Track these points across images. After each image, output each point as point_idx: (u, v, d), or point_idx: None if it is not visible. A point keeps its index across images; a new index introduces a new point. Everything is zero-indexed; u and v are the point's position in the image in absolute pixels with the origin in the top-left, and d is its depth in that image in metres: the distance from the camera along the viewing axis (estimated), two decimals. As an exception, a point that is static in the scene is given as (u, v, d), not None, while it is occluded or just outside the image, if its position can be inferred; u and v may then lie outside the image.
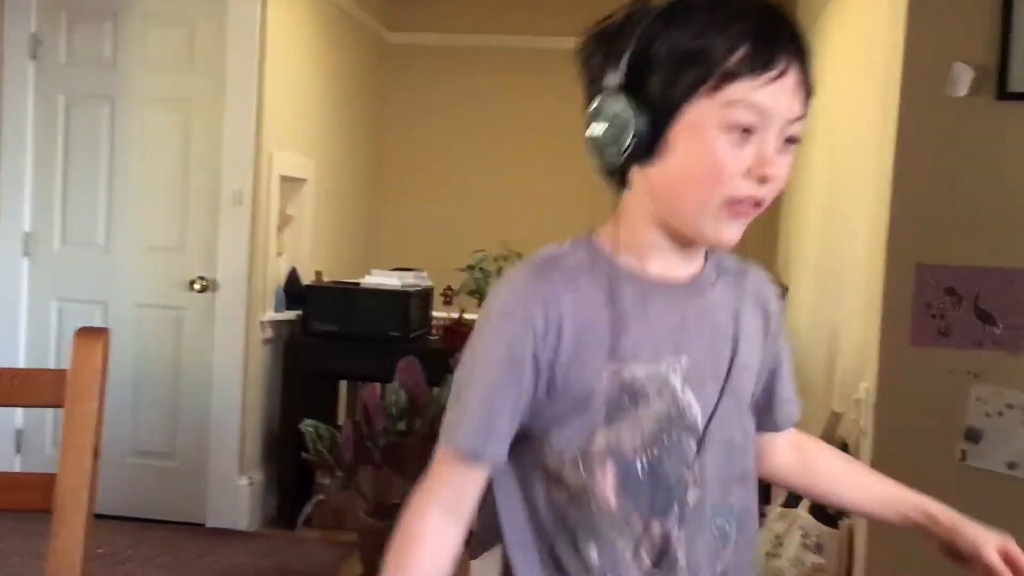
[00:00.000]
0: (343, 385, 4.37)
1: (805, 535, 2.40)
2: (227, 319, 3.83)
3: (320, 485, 3.77)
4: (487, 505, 1.11)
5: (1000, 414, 2.24)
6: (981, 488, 2.33)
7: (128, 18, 3.86)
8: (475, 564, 2.25)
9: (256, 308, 3.87)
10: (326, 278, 4.33)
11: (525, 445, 1.00)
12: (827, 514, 2.45)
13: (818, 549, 2.37)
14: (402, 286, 4.00)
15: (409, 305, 3.95)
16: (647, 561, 0.99)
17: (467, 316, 4.06)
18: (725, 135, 0.92)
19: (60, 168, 3.92)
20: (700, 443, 0.99)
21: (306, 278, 4.20)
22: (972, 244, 2.28)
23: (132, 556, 3.48)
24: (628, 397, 0.97)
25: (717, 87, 0.91)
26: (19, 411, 3.91)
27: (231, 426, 3.83)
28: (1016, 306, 2.23)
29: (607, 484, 0.97)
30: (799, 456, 1.20)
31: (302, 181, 4.27)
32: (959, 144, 2.28)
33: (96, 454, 1.16)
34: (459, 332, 3.82)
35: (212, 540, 3.71)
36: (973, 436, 2.27)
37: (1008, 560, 1.06)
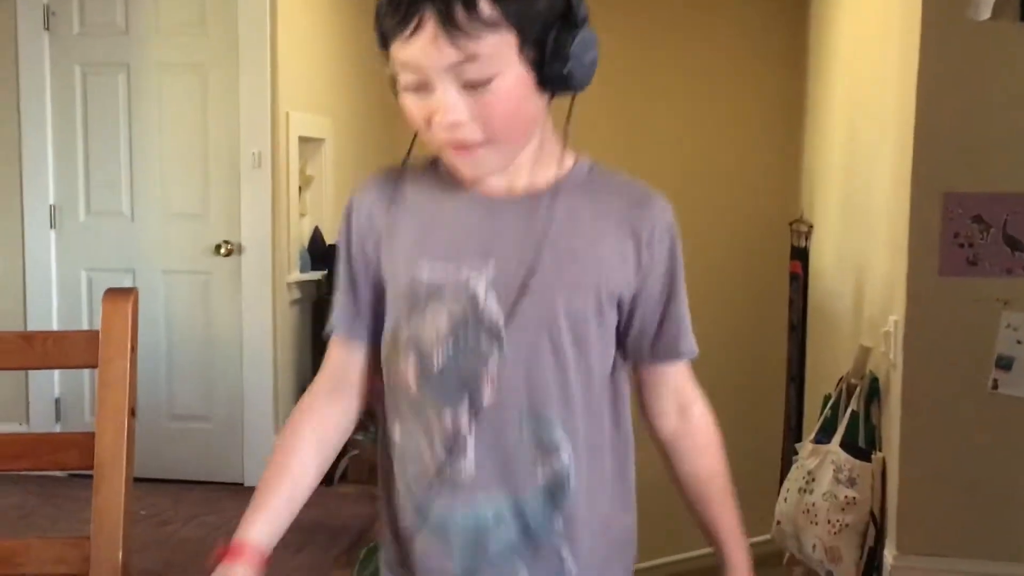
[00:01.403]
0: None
1: (837, 469, 2.40)
2: (254, 282, 3.86)
3: (354, 440, 3.82)
4: None
5: (1031, 341, 2.22)
6: (1015, 416, 2.32)
7: (138, -16, 3.84)
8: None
9: (282, 270, 3.90)
10: (349, 237, 4.35)
11: None
12: (859, 448, 2.46)
13: (851, 483, 2.37)
14: (425, 241, 4.01)
15: (433, 259, 3.96)
16: (438, 448, 1.04)
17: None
18: (406, 90, 0.99)
19: (80, 139, 3.94)
20: (500, 347, 1.02)
21: (330, 237, 4.21)
22: (998, 170, 2.25)
23: (174, 517, 3.55)
24: (424, 295, 1.03)
25: (386, 50, 0.98)
26: (56, 379, 3.97)
27: (264, 386, 3.88)
28: (1045, 231, 2.20)
29: (409, 371, 1.05)
30: (681, 427, 1.13)
31: (320, 141, 4.26)
32: (982, 69, 2.24)
33: (132, 412, 1.19)
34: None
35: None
36: (1005, 364, 2.26)
37: None
